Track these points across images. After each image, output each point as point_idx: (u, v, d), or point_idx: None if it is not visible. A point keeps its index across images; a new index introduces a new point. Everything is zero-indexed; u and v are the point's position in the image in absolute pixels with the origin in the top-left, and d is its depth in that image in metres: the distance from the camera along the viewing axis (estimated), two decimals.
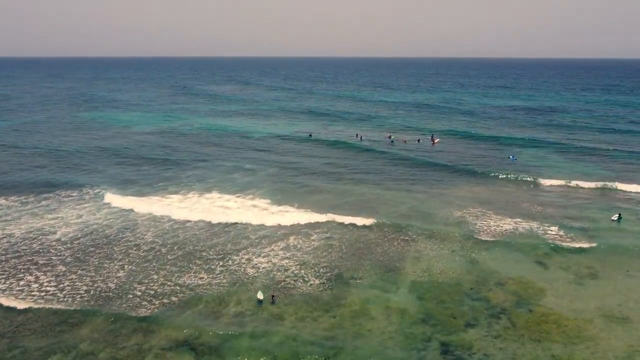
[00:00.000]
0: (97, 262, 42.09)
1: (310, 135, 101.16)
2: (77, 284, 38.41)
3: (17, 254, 43.68)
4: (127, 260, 42.58)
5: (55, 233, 48.22)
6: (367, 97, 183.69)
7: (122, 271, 40.49)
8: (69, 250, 44.35)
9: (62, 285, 38.25)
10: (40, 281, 38.83)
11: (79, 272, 40.37)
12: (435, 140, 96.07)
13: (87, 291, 37.33)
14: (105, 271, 40.50)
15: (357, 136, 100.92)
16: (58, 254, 43.74)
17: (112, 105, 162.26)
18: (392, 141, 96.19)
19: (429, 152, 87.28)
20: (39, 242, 46.11)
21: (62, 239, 46.77)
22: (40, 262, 42.04)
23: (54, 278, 39.32)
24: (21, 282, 38.76)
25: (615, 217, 52.15)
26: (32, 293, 37.12)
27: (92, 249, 44.76)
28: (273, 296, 35.88)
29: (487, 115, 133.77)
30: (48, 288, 37.78)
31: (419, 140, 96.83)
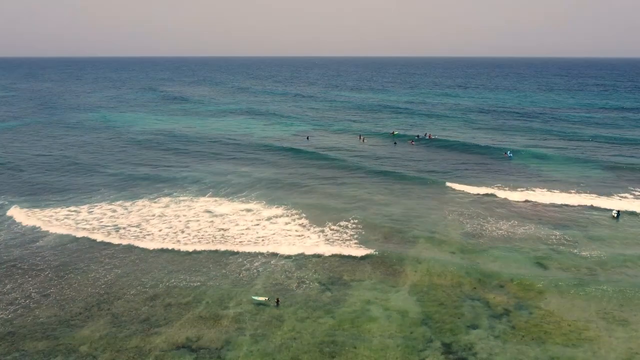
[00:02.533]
0: (84, 267, 42.05)
1: (308, 138, 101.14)
2: (65, 290, 38.38)
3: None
4: (116, 263, 42.65)
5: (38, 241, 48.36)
6: (368, 99, 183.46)
7: (110, 274, 40.52)
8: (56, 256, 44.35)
9: (54, 289, 38.25)
10: (35, 285, 38.83)
11: (68, 276, 40.36)
12: (431, 137, 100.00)
13: (83, 294, 37.35)
14: (94, 274, 40.52)
15: (359, 137, 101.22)
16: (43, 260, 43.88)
17: (84, 108, 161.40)
18: (395, 143, 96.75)
19: (425, 153, 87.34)
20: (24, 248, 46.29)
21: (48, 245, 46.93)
22: (24, 267, 42.03)
23: (43, 283, 39.37)
24: (12, 286, 38.81)
25: (614, 213, 52.50)
26: (30, 296, 37.10)
27: (77, 254, 44.65)
28: (278, 300, 35.78)
29: (484, 115, 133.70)
30: (43, 292, 37.77)
31: (417, 136, 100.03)
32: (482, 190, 62.52)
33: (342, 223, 50.83)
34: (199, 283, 38.71)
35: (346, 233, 48.34)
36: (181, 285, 38.46)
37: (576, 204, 57.21)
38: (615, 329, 32.17)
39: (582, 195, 60.22)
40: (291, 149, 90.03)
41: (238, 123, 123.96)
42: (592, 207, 55.88)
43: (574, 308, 34.71)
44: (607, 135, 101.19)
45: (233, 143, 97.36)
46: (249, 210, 54.97)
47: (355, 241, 46.39)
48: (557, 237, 47.25)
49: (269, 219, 52.30)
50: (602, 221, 51.91)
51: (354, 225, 50.26)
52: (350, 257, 43.27)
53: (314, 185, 66.38)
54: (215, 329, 32.61)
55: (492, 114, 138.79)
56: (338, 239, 46.82)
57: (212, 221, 51.63)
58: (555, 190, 62.01)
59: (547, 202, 57.76)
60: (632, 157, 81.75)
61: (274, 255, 43.69)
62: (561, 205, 56.78)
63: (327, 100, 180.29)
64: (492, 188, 63.19)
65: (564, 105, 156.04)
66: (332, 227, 49.80)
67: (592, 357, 29.38)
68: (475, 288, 37.67)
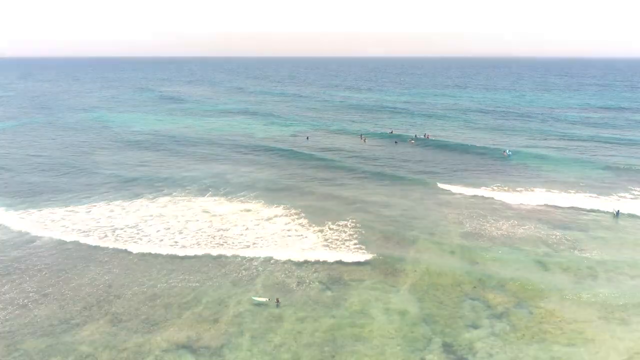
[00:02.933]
0: (82, 267, 41.91)
1: (308, 138, 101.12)
2: (64, 289, 38.26)
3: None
4: (115, 263, 42.56)
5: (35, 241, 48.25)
6: (367, 98, 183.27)
7: (109, 275, 40.44)
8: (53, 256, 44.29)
9: (52, 289, 38.17)
10: (33, 285, 38.77)
11: (66, 276, 40.26)
12: (429, 137, 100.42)
13: (82, 294, 37.27)
14: (92, 274, 40.44)
15: (360, 137, 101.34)
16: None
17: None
18: (395, 142, 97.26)
19: (424, 153, 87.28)
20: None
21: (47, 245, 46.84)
22: (22, 267, 41.93)
23: (41, 283, 39.31)
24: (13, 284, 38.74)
25: (615, 212, 52.83)
26: (29, 296, 37.01)
27: (75, 254, 44.46)
28: (278, 300, 35.75)
29: (482, 115, 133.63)
30: (42, 291, 37.69)
31: (415, 136, 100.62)
32: (482, 190, 62.47)
33: (342, 223, 50.75)
34: (198, 283, 38.61)
35: (345, 232, 48.27)
36: (180, 285, 38.36)
37: (576, 204, 57.11)
38: (615, 329, 32.18)
39: (582, 195, 60.27)
40: (290, 150, 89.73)
41: (237, 123, 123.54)
42: (592, 207, 55.82)
43: (574, 308, 34.70)
44: (606, 135, 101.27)
45: (232, 143, 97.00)
46: (248, 210, 54.85)
47: (355, 241, 46.30)
48: (558, 237, 47.24)
49: (268, 219, 52.21)
50: (602, 221, 51.89)
51: (353, 225, 50.16)
52: (350, 256, 43.19)
53: (313, 185, 66.30)
54: (215, 328, 32.54)
55: (491, 114, 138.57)
56: (337, 239, 46.74)
57: (211, 221, 51.49)
58: (554, 190, 61.99)
59: (547, 202, 57.67)
60: (631, 157, 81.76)
61: (274, 255, 43.56)
62: (561, 206, 56.63)
63: (326, 100, 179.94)
64: (492, 188, 63.21)
65: (563, 105, 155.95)
66: (332, 227, 49.71)
67: (592, 357, 29.38)
68: (475, 287, 37.63)
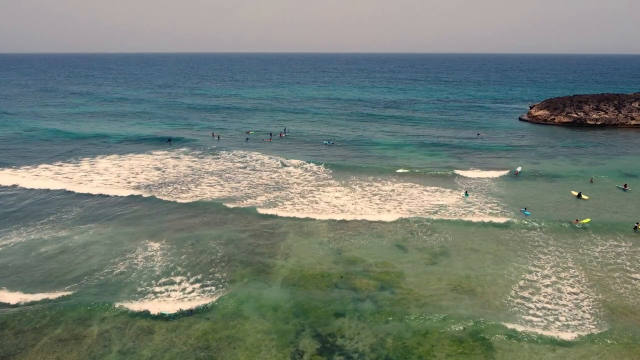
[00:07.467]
0: None
1: (169, 141, 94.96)
2: None
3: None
4: None
5: None
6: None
7: None
8: None
9: None
10: None
11: None
12: (283, 134, 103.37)
13: None
14: None
15: (213, 134, 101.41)
16: None
17: None
18: (247, 139, 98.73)
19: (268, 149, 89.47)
20: None
21: None
22: None
23: None
24: None
25: (463, 193, 58.74)
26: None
27: None
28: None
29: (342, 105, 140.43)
30: None
31: (271, 134, 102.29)
32: (341, 177, 65.66)
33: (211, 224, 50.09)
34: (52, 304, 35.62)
35: (211, 236, 47.85)
36: (32, 308, 35.05)
37: (426, 185, 62.73)
38: (462, 298, 36.05)
39: (435, 181, 66.16)
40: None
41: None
42: (443, 189, 61.51)
43: (429, 284, 38.19)
44: (453, 127, 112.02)
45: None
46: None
47: (224, 242, 46.19)
48: (415, 221, 51.27)
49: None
50: (452, 201, 57.44)
51: (222, 228, 49.88)
52: (220, 257, 42.95)
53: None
54: (78, 350, 30.37)
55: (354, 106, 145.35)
56: (203, 241, 46.19)
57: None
58: (409, 177, 67.26)
59: (404, 189, 62.34)
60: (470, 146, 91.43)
61: (139, 256, 41.75)
62: (418, 192, 61.51)
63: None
64: (352, 180, 66.72)
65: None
66: (197, 228, 48.96)
67: (444, 326, 32.60)
68: (342, 277, 39.52)
